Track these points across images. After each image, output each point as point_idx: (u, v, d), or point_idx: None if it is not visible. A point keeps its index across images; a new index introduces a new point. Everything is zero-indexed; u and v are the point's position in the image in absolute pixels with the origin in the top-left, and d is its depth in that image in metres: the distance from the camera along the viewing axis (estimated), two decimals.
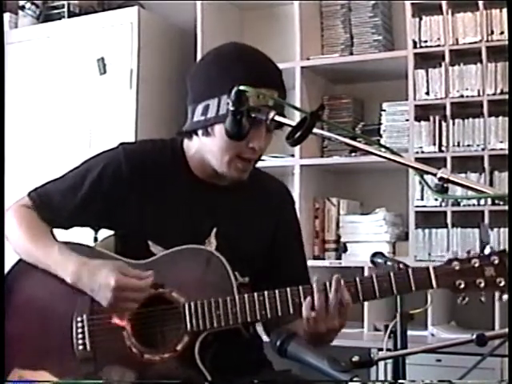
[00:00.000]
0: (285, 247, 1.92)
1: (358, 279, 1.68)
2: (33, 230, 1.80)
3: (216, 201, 1.85)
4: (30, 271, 1.78)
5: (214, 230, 1.82)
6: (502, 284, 1.61)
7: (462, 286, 1.63)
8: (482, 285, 1.62)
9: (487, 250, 1.64)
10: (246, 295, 1.69)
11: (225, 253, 1.74)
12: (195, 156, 1.85)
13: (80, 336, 1.71)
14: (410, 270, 1.66)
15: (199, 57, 3.54)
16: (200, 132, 1.79)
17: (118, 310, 1.68)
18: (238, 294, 1.70)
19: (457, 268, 1.63)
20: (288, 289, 1.69)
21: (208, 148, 1.79)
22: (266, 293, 1.69)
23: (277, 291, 1.69)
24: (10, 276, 1.79)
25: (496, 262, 1.62)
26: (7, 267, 1.81)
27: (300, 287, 1.68)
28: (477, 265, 1.63)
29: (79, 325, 1.71)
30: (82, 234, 1.94)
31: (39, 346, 1.73)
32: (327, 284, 1.66)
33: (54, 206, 1.84)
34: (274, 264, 1.89)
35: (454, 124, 3.28)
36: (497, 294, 1.64)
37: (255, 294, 1.69)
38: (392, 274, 1.66)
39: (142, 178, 1.81)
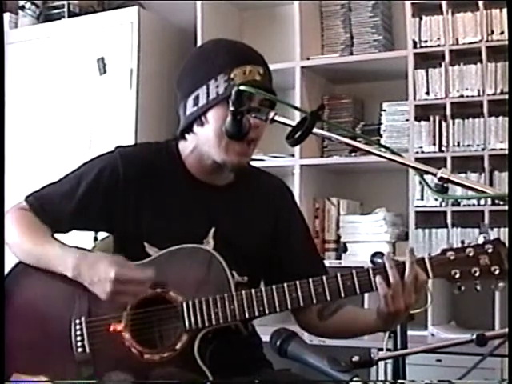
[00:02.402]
0: (288, 244, 1.91)
1: (354, 272, 1.68)
2: (32, 230, 1.80)
3: (213, 200, 1.84)
4: (28, 274, 1.77)
5: (212, 229, 1.81)
6: (497, 272, 1.61)
7: (458, 275, 1.63)
8: (477, 273, 1.62)
9: (481, 239, 1.64)
10: (243, 292, 1.69)
11: (223, 252, 1.74)
12: (192, 155, 1.84)
13: (79, 338, 1.70)
14: (405, 261, 1.66)
15: None
16: (195, 124, 1.79)
17: (117, 303, 1.68)
18: (235, 292, 1.70)
19: (452, 258, 1.65)
20: (285, 284, 1.69)
21: (204, 138, 1.78)
22: (263, 289, 1.70)
23: (274, 287, 1.69)
24: (9, 279, 1.78)
25: (490, 250, 1.62)
26: (6, 269, 1.81)
27: (297, 282, 1.69)
28: (471, 254, 1.63)
29: (78, 327, 1.71)
30: (83, 234, 1.94)
31: (38, 349, 1.72)
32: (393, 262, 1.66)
33: (51, 210, 1.83)
34: (278, 264, 1.89)
35: (453, 124, 3.28)
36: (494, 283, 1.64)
37: (253, 291, 1.70)
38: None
39: (138, 181, 1.81)
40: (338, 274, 1.69)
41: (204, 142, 1.79)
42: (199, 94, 1.76)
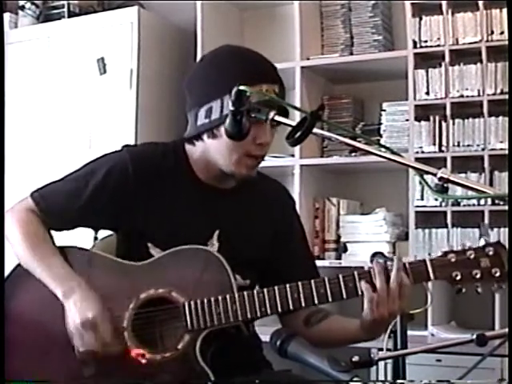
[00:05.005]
0: (287, 249, 1.91)
1: (356, 274, 1.68)
2: (32, 239, 1.78)
3: (219, 204, 1.85)
4: (29, 274, 1.76)
5: (217, 232, 1.81)
6: (498, 275, 1.62)
7: (459, 277, 1.64)
8: (478, 276, 1.63)
9: (482, 242, 1.65)
10: (245, 293, 1.70)
11: (227, 255, 1.74)
12: (199, 160, 1.84)
13: None
14: (407, 264, 1.67)
15: (199, 57, 3.54)
16: (205, 135, 1.79)
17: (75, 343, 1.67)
18: (237, 293, 1.70)
19: (453, 260, 1.65)
20: (287, 285, 1.69)
21: (215, 149, 1.79)
22: (265, 290, 1.70)
23: (276, 288, 1.69)
24: (10, 278, 1.78)
25: (491, 253, 1.63)
26: (7, 269, 1.81)
27: (299, 283, 1.69)
28: (472, 256, 1.64)
29: None
30: (82, 234, 1.94)
31: (39, 349, 1.72)
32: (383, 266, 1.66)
33: (57, 207, 1.83)
34: (276, 266, 1.89)
35: (454, 124, 3.28)
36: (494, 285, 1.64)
37: (254, 291, 1.70)
38: (390, 268, 1.66)
39: (147, 181, 1.81)
40: (340, 276, 1.69)
41: (214, 152, 1.79)
42: (212, 106, 1.75)
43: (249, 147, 1.74)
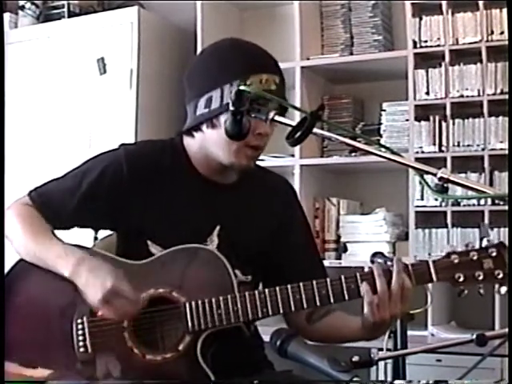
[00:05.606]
0: (287, 243, 1.91)
1: (358, 275, 1.67)
2: (33, 226, 1.79)
3: (219, 199, 1.84)
4: (29, 272, 1.77)
5: (217, 228, 1.81)
6: (501, 276, 1.61)
7: (462, 279, 1.63)
8: (481, 277, 1.62)
9: (485, 243, 1.65)
10: (246, 293, 1.69)
11: (227, 251, 1.74)
12: (198, 153, 1.84)
13: (81, 338, 1.70)
14: (409, 265, 1.66)
15: None
16: (205, 125, 1.79)
17: (105, 314, 1.66)
18: (238, 293, 1.70)
19: (456, 261, 1.64)
20: (289, 286, 1.68)
21: (214, 140, 1.78)
22: (266, 290, 1.69)
23: (277, 288, 1.68)
24: (10, 277, 1.78)
25: (494, 254, 1.62)
26: (7, 267, 1.81)
27: (301, 284, 1.68)
28: (475, 258, 1.63)
29: (79, 326, 1.71)
30: (82, 234, 1.94)
31: (39, 349, 1.72)
32: (382, 269, 1.65)
33: (53, 206, 1.83)
34: (278, 262, 1.89)
35: (454, 124, 3.28)
36: (496, 287, 1.64)
37: (256, 292, 1.69)
38: (391, 269, 1.66)
39: (143, 179, 1.81)
40: (342, 277, 1.68)
41: (213, 143, 1.79)
42: (212, 96, 1.75)
43: (248, 138, 1.73)
